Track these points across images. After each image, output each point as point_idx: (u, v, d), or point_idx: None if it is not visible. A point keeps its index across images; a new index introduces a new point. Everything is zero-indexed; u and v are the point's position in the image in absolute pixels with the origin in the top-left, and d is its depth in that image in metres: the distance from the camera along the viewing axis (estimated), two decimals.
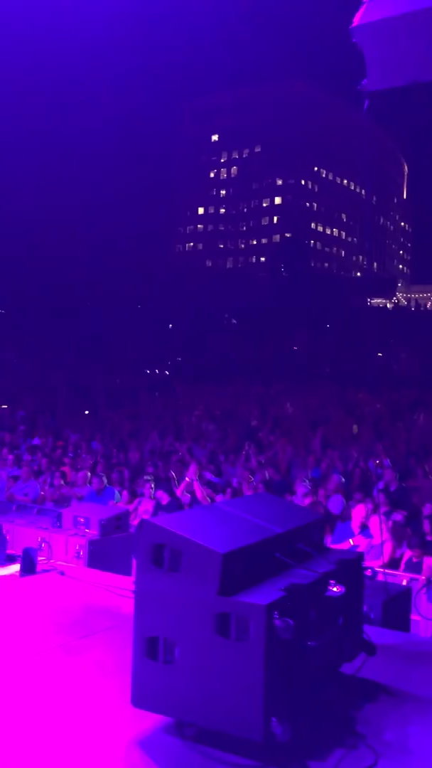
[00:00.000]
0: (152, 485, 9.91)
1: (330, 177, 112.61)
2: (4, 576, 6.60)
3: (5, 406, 21.43)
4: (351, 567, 4.21)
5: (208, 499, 9.55)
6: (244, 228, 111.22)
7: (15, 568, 6.78)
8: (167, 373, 39.34)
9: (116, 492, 10.50)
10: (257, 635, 3.31)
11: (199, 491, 9.72)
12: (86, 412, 22.38)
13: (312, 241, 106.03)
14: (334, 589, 3.75)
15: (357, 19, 4.80)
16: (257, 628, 3.31)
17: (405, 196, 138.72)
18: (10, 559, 7.03)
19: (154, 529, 3.63)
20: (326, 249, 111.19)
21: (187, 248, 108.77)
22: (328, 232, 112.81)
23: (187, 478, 10.22)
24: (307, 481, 10.53)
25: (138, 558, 3.76)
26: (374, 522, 8.09)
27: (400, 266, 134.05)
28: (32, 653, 4.77)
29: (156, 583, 3.56)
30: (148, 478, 10.27)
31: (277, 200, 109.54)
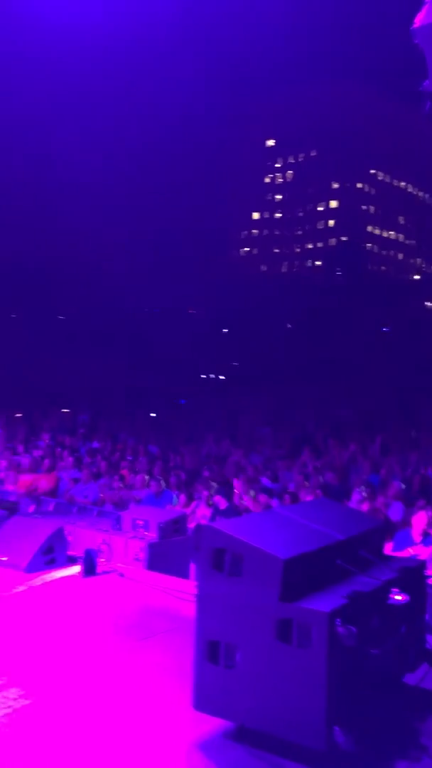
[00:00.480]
0: (210, 490, 9.94)
1: (387, 179, 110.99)
2: (66, 577, 6.73)
3: (66, 410, 21.83)
4: (414, 575, 4.14)
5: (264, 506, 9.52)
6: (300, 232, 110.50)
7: (76, 569, 6.91)
8: (222, 377, 39.42)
9: (174, 495, 10.58)
10: (320, 642, 3.29)
11: (250, 503, 9.69)
12: (147, 415, 22.63)
13: (368, 245, 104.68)
14: (398, 597, 3.70)
15: (418, 21, 4.73)
16: (320, 635, 3.29)
17: None
18: (72, 561, 7.17)
19: (215, 534, 3.65)
20: (383, 252, 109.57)
21: (241, 253, 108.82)
22: (385, 235, 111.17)
23: (236, 490, 10.21)
24: (364, 486, 10.38)
25: (199, 562, 3.79)
26: None
27: None
28: (94, 653, 4.85)
29: (217, 587, 3.58)
30: (213, 485, 10.30)
31: (333, 204, 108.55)
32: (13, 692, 4.20)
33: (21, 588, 6.31)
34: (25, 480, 11.59)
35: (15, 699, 4.12)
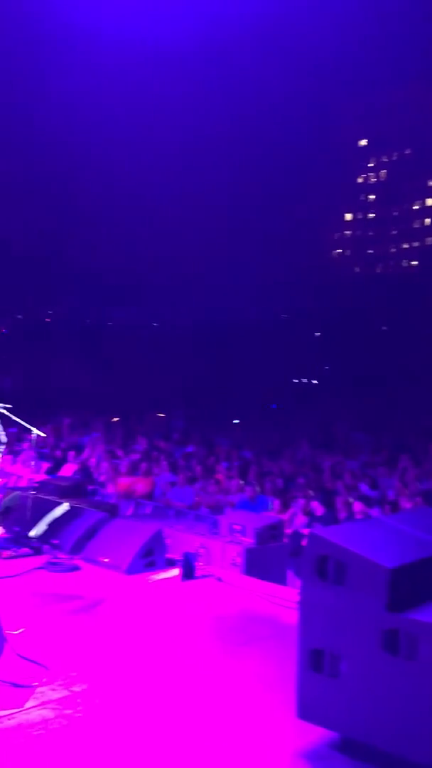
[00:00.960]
0: (306, 496, 9.86)
1: None
2: (166, 579, 6.83)
3: (162, 415, 22.23)
4: None
5: (362, 514, 9.34)
6: (395, 232, 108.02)
7: (175, 572, 7.01)
8: (315, 382, 39.04)
9: (269, 501, 10.56)
10: (428, 654, 3.20)
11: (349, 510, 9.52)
12: (240, 421, 22.72)
13: None
14: None
15: None
16: (428, 647, 3.20)
17: None
18: (170, 564, 7.28)
19: (318, 541, 3.61)
20: None
21: (334, 255, 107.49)
22: None
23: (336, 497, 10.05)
24: None
25: (302, 569, 3.76)
26: None
27: None
28: (193, 657, 4.90)
29: (321, 595, 3.54)
30: (309, 491, 10.22)
31: (429, 202, 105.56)
32: (110, 694, 4.30)
33: (122, 590, 6.46)
34: (124, 483, 11.88)
35: (112, 701, 4.21)
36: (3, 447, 7.75)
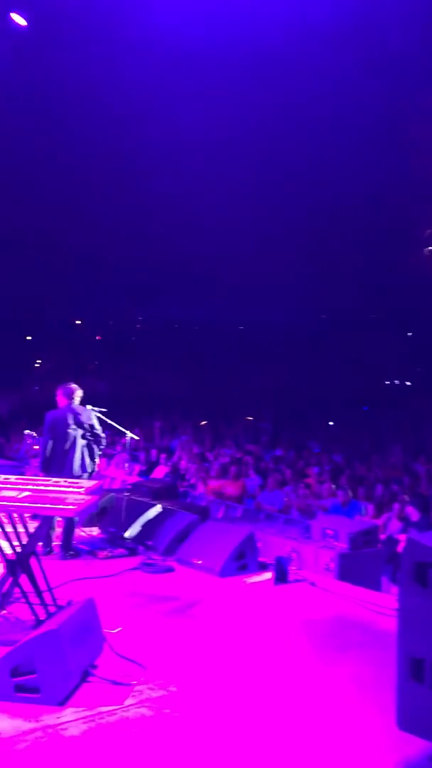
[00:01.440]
0: (401, 501, 9.64)
1: None
2: (258, 583, 6.83)
3: (250, 418, 22.27)
4: None
5: None
6: None
7: (267, 575, 6.99)
8: (408, 383, 38.06)
9: (362, 506, 10.38)
10: None
11: None
12: (330, 423, 22.46)
13: None
14: None
15: None
16: None
17: None
18: (262, 567, 7.28)
19: (417, 547, 3.51)
20: None
21: (426, 253, 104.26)
22: None
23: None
24: None
25: (400, 575, 3.67)
26: None
27: None
28: (288, 661, 4.87)
29: (420, 602, 3.44)
30: (404, 497, 9.99)
31: None
32: (206, 696, 4.32)
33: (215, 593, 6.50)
34: (214, 486, 11.97)
35: (208, 703, 4.23)
36: (102, 449, 8.00)
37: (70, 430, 7.51)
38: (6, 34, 13.66)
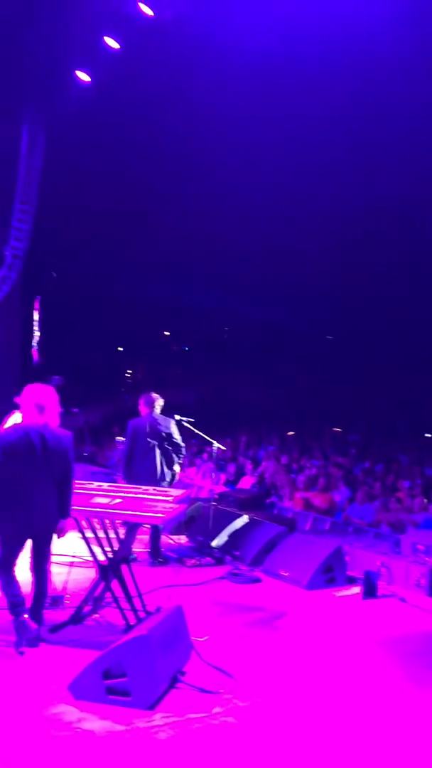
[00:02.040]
0: None
1: None
2: (346, 597, 6.75)
3: (338, 430, 21.98)
4: None
5: None
6: None
7: (355, 590, 6.89)
8: None
9: None
10: None
11: None
12: (427, 435, 21.84)
13: None
14: None
15: None
16: None
17: None
18: (350, 581, 7.18)
19: None
20: None
21: None
22: None
23: None
24: None
25: None
26: None
27: None
28: (375, 678, 4.79)
29: None
30: None
31: None
32: (292, 709, 4.31)
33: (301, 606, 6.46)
34: (301, 497, 11.89)
35: (294, 716, 4.21)
36: (182, 458, 8.09)
37: (148, 439, 7.62)
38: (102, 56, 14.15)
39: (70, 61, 14.77)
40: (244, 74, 14.86)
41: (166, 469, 7.70)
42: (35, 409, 5.02)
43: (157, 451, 7.66)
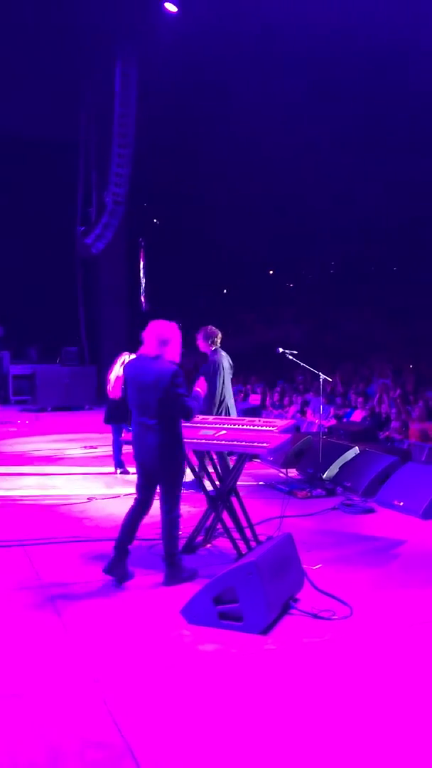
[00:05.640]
0: None
1: None
2: None
3: None
4: None
5: None
6: None
7: None
8: None
9: None
10: None
11: None
12: None
13: None
14: None
15: None
16: None
17: None
18: None
19: None
20: None
21: None
22: None
23: None
24: None
25: None
26: None
27: None
28: None
29: None
30: None
31: None
32: (404, 644, 4.18)
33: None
34: (416, 428, 11.50)
35: (406, 650, 4.08)
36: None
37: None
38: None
39: None
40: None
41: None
42: (156, 343, 4.95)
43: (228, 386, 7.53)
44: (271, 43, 15.73)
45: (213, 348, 7.52)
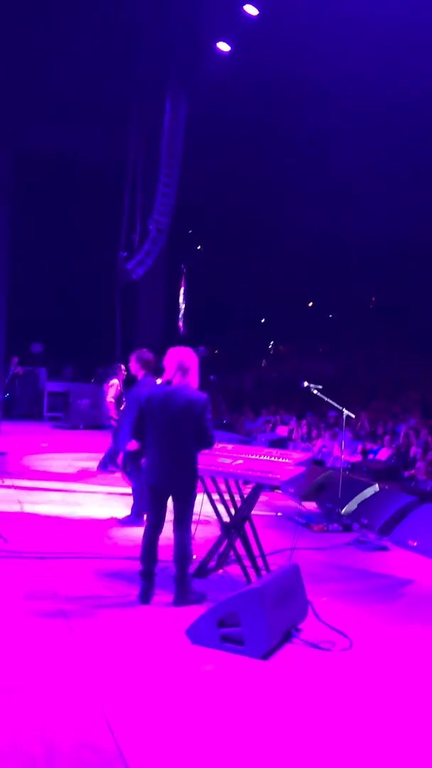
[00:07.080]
0: None
1: None
2: None
3: None
4: None
5: None
6: None
7: None
8: None
9: None
10: None
11: None
12: None
13: None
14: None
15: None
16: None
17: None
18: None
19: None
20: None
21: None
22: None
23: None
24: None
25: None
26: None
27: None
28: None
29: None
30: None
31: None
32: (405, 682, 4.25)
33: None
34: None
35: (404, 688, 4.16)
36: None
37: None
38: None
39: (211, 31, 14.92)
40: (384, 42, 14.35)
41: None
42: (178, 371, 5.16)
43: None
44: (321, 86, 16.16)
45: (144, 372, 7.39)
